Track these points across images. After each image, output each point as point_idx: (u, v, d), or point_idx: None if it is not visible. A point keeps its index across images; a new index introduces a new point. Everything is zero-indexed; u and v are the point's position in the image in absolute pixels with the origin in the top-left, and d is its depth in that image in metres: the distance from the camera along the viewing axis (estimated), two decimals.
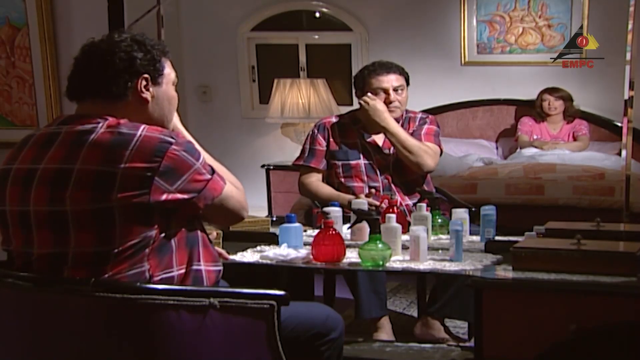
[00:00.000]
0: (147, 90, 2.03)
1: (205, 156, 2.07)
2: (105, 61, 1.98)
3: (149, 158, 1.86)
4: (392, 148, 3.54)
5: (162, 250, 1.93)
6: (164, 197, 1.88)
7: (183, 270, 1.98)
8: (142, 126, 1.92)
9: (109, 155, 1.86)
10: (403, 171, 3.53)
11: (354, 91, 3.68)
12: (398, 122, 3.56)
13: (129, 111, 2.00)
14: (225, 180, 2.05)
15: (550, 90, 5.47)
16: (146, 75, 2.02)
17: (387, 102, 3.52)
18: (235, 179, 2.16)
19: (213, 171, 2.01)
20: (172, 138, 1.92)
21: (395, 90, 3.53)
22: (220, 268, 2.11)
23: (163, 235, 1.93)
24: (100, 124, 1.92)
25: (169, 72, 2.09)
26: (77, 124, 1.95)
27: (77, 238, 1.87)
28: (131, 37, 2.03)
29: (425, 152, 3.49)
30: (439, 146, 3.59)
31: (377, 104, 3.49)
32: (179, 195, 1.91)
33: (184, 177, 1.91)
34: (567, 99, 5.46)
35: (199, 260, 2.02)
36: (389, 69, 3.56)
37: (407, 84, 3.60)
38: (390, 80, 3.54)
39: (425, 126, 3.59)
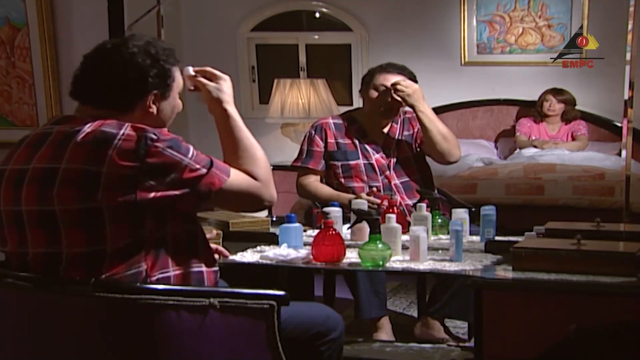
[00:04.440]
0: (154, 104, 2.03)
1: (243, 138, 2.14)
2: (116, 75, 1.97)
3: (132, 157, 1.84)
4: (392, 148, 3.54)
5: (159, 250, 1.92)
6: (152, 195, 1.86)
7: (180, 271, 1.97)
8: (126, 124, 1.90)
9: (92, 154, 1.85)
10: (403, 171, 3.53)
11: (358, 88, 3.64)
12: (396, 122, 3.56)
13: (131, 119, 1.98)
14: (230, 172, 1.98)
15: (555, 92, 5.45)
16: (156, 92, 2.02)
17: (389, 100, 3.47)
18: (263, 167, 2.07)
19: (211, 164, 1.95)
20: (155, 135, 1.88)
21: None
22: (218, 269, 2.11)
23: (158, 234, 1.91)
24: (89, 125, 1.91)
25: (177, 83, 2.09)
26: (69, 125, 1.94)
27: (68, 237, 1.87)
28: (145, 48, 2.00)
29: (456, 143, 3.51)
30: None
31: (417, 88, 3.43)
32: (171, 192, 1.88)
33: (172, 173, 1.88)
34: (570, 102, 5.44)
35: (199, 262, 2.02)
36: (400, 70, 3.53)
37: None
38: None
39: None
